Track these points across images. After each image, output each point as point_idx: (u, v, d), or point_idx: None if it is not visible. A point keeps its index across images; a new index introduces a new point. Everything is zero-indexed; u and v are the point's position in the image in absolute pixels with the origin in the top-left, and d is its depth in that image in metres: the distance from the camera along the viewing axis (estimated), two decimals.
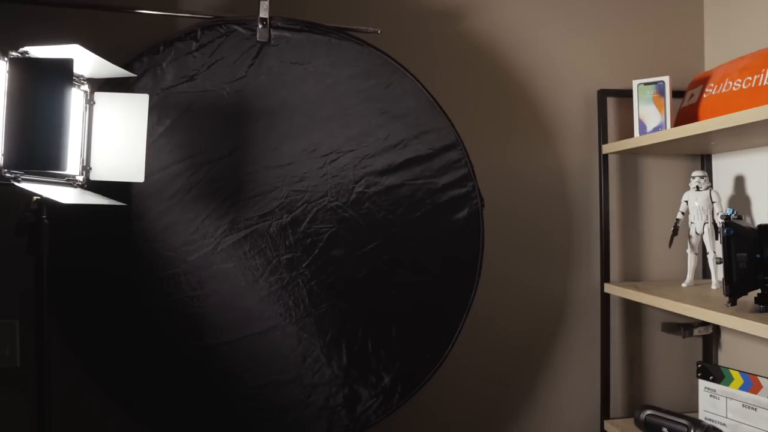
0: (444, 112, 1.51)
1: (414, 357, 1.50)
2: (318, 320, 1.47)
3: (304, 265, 1.47)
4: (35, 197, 1.14)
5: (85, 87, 1.26)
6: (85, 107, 1.26)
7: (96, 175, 1.28)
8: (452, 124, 1.51)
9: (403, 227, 1.49)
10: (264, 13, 1.44)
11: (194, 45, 1.44)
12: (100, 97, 1.28)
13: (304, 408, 1.46)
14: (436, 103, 1.51)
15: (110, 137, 1.28)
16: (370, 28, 1.53)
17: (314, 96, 1.47)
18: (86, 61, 1.18)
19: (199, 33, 1.44)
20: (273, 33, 1.46)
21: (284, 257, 1.46)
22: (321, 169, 1.47)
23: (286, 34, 1.46)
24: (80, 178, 1.26)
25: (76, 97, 1.21)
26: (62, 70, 1.07)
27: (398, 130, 1.50)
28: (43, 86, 1.06)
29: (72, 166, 1.20)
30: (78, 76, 1.23)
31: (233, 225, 1.45)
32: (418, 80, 1.51)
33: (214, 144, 1.44)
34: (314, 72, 1.47)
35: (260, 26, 1.44)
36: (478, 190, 1.51)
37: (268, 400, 1.46)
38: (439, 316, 1.51)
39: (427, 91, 1.51)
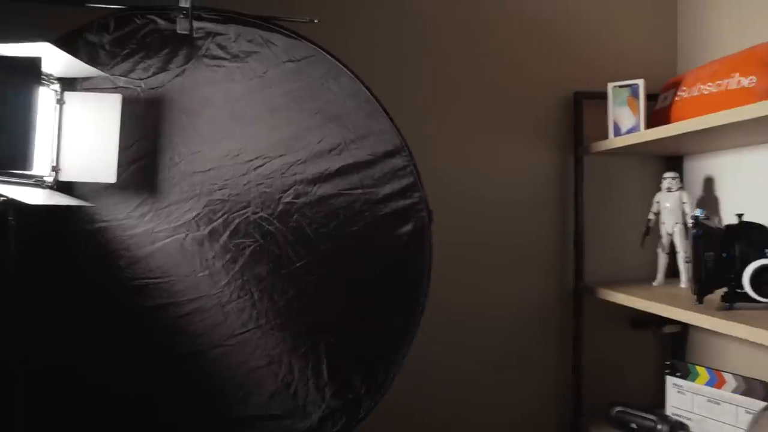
0: (387, 113, 1.36)
1: (351, 389, 1.34)
2: (239, 347, 1.32)
3: (222, 283, 1.32)
4: (1, 198, 1.11)
5: (56, 86, 1.23)
6: (55, 107, 1.24)
7: (66, 176, 1.25)
8: (396, 127, 1.36)
9: (338, 242, 1.34)
10: (185, 2, 1.30)
11: (106, 37, 1.30)
12: (70, 96, 1.25)
13: None
14: (378, 102, 1.37)
15: (81, 137, 1.25)
16: (306, 18, 1.38)
17: (239, 94, 1.34)
18: (56, 60, 1.15)
19: (111, 24, 1.31)
20: (195, 24, 1.32)
21: (200, 275, 1.32)
22: (245, 176, 1.33)
23: (209, 25, 1.33)
24: (49, 179, 1.23)
25: (45, 96, 1.18)
26: (30, 69, 1.05)
27: (333, 134, 1.34)
28: (10, 85, 1.03)
29: (40, 167, 1.18)
30: (47, 75, 1.20)
31: (144, 238, 1.31)
32: (357, 77, 1.36)
33: (125, 146, 1.30)
34: (240, 68, 1.34)
35: (180, 16, 1.30)
36: (426, 201, 1.36)
37: None
38: (381, 339, 1.36)
39: (368, 89, 1.36)
